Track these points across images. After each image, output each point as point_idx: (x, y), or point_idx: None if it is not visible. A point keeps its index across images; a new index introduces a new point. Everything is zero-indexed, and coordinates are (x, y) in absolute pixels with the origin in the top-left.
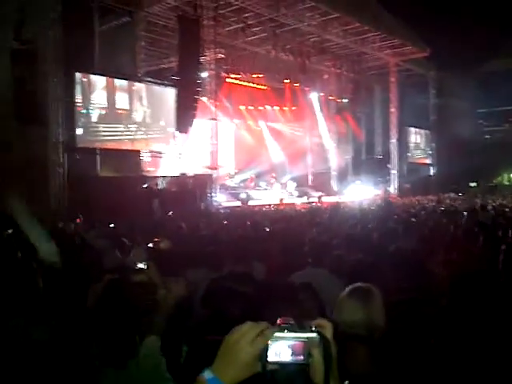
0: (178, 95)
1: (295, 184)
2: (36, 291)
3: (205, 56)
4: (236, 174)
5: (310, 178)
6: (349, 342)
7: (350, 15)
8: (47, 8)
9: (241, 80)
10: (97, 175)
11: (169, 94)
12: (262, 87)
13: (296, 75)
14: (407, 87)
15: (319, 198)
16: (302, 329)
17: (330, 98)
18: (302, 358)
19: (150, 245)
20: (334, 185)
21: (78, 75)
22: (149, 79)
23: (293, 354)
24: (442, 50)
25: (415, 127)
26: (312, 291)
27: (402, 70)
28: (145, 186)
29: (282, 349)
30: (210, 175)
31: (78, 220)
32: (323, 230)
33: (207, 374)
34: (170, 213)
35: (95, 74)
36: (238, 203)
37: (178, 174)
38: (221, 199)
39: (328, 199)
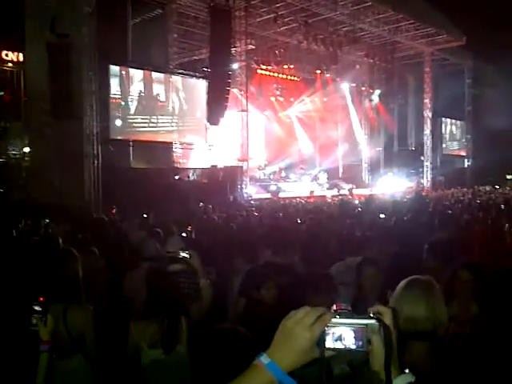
0: (209, 87)
1: (327, 176)
2: (76, 279)
3: (236, 47)
4: (266, 165)
5: (341, 170)
6: (410, 340)
7: (382, 3)
8: (82, 2)
9: (271, 71)
10: (129, 167)
11: (202, 86)
12: (293, 78)
13: (327, 65)
14: (442, 77)
15: (350, 190)
16: (361, 315)
17: (362, 88)
18: (361, 344)
19: (184, 234)
20: (365, 177)
21: (115, 68)
22: (180, 71)
23: (351, 341)
24: (478, 39)
25: (450, 118)
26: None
27: (437, 60)
28: (176, 177)
29: (340, 335)
30: (241, 167)
31: (112, 211)
32: (357, 223)
33: (264, 359)
34: (201, 204)
35: (128, 67)
36: (268, 195)
37: (208, 166)
38: (251, 191)
39: (359, 191)
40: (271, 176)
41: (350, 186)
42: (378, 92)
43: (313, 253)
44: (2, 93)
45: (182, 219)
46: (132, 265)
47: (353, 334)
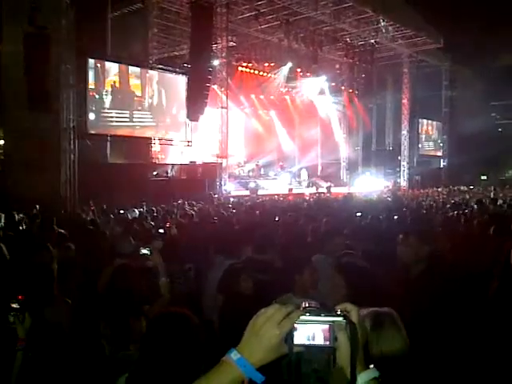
0: (189, 83)
1: (307, 173)
2: (50, 275)
3: (217, 44)
4: (245, 163)
5: (320, 168)
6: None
7: (363, 5)
8: None
9: (252, 68)
10: (107, 162)
11: (181, 82)
12: (274, 76)
13: (308, 64)
14: (420, 79)
15: (328, 188)
16: (328, 312)
17: (342, 88)
18: (328, 341)
19: (161, 231)
20: (344, 176)
21: (90, 61)
22: (160, 66)
23: (319, 338)
24: (456, 42)
25: (427, 119)
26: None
27: (415, 61)
28: (154, 173)
29: (308, 332)
30: (220, 164)
31: (90, 207)
32: (333, 221)
33: (234, 355)
34: (180, 201)
35: (108, 61)
36: (247, 192)
37: (187, 162)
38: (230, 188)
39: (337, 190)
40: (250, 173)
41: (329, 184)
42: (356, 92)
43: (290, 250)
44: None
45: (160, 215)
46: (107, 261)
47: (320, 331)
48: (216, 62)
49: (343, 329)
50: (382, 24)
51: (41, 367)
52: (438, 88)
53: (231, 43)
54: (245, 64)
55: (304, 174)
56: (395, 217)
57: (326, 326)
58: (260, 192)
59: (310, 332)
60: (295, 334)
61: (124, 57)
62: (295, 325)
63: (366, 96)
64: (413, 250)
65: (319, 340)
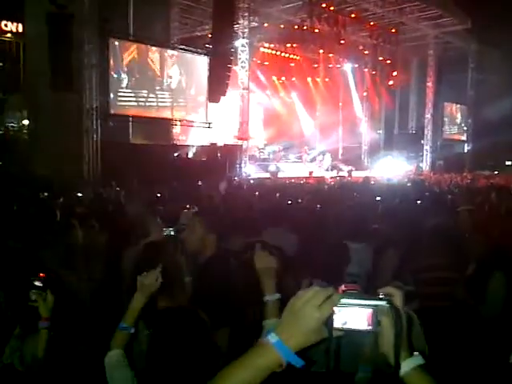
0: (210, 64)
1: (330, 157)
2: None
3: (239, 24)
4: (266, 145)
5: (341, 151)
6: None
7: None
8: None
9: (274, 49)
10: (129, 142)
11: (200, 63)
12: (296, 57)
13: (331, 46)
14: (445, 61)
15: (349, 172)
16: (370, 296)
17: (365, 70)
18: (370, 325)
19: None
20: (365, 159)
21: (111, 40)
22: (182, 47)
23: (360, 322)
24: (483, 23)
25: (451, 102)
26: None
27: (441, 43)
28: (176, 154)
29: (349, 315)
30: (240, 146)
31: (113, 187)
32: (356, 204)
33: (272, 338)
34: (200, 182)
35: (129, 41)
36: (267, 175)
37: (207, 144)
38: (250, 170)
39: (358, 174)
40: (270, 156)
41: (350, 167)
42: (380, 74)
43: (311, 233)
44: (1, 64)
45: (180, 196)
46: (131, 241)
47: (362, 315)
48: (238, 43)
49: (387, 313)
50: (407, 4)
51: (65, 346)
52: (463, 70)
53: (253, 23)
54: (267, 45)
55: (328, 158)
56: (418, 201)
57: (369, 310)
58: (280, 175)
59: (352, 316)
60: (335, 317)
61: (146, 37)
62: (335, 308)
63: (389, 78)
64: None
65: (361, 324)
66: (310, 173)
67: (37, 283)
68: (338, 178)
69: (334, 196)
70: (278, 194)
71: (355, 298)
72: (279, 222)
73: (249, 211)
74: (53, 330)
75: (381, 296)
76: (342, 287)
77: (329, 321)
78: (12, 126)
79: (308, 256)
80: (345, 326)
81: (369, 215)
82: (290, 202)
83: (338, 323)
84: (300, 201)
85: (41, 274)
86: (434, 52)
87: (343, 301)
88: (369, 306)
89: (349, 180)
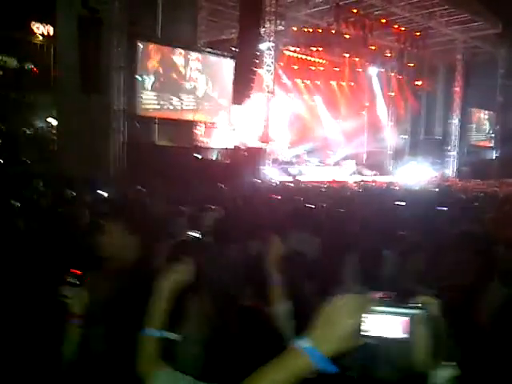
0: (236, 67)
1: (355, 162)
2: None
3: (265, 28)
4: (289, 148)
5: (365, 156)
6: None
7: None
8: None
9: (299, 53)
10: (154, 144)
11: (225, 66)
12: (321, 61)
13: (357, 50)
14: (473, 66)
15: (373, 177)
16: (406, 304)
17: (391, 74)
18: (405, 334)
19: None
20: (389, 164)
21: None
22: (208, 50)
23: (396, 330)
24: None
25: (479, 108)
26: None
27: (470, 48)
28: (199, 156)
29: (384, 323)
30: (264, 149)
31: (139, 187)
32: (381, 210)
33: (304, 343)
34: (223, 185)
35: (156, 43)
36: (290, 178)
37: (231, 147)
38: (272, 173)
39: (382, 179)
40: (293, 159)
41: (374, 172)
42: (406, 78)
43: (335, 237)
44: (32, 65)
45: (203, 199)
46: (157, 240)
47: (397, 323)
48: (263, 46)
49: (423, 322)
50: (437, 8)
51: (98, 345)
52: (492, 76)
53: (280, 27)
54: (292, 48)
55: (351, 163)
56: (444, 208)
57: (405, 318)
58: (302, 178)
59: (387, 324)
60: (370, 324)
61: (173, 40)
62: (370, 315)
63: (415, 83)
64: None
65: (396, 332)
66: (333, 177)
67: (71, 279)
68: (361, 183)
69: (357, 201)
70: (301, 198)
71: (391, 306)
72: (302, 226)
73: (272, 215)
74: (86, 327)
75: (417, 304)
76: (378, 294)
77: (363, 328)
78: (41, 127)
79: (333, 261)
80: (379, 334)
81: (394, 221)
82: (313, 206)
83: (372, 331)
84: (324, 205)
85: (76, 271)
86: (462, 57)
87: (378, 308)
88: (404, 314)
89: (372, 185)
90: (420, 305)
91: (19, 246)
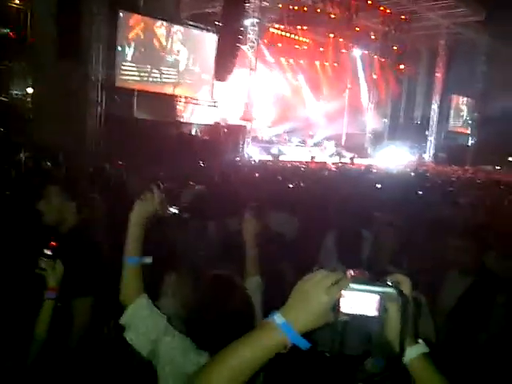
0: (219, 41)
1: (334, 143)
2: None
3: (250, 3)
4: (270, 127)
5: (344, 138)
6: None
7: None
8: None
9: (284, 31)
10: (132, 117)
11: (208, 40)
12: (305, 40)
13: (341, 30)
14: (455, 52)
15: (351, 159)
16: (378, 282)
17: (374, 57)
18: (377, 312)
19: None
20: (368, 147)
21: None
22: (191, 23)
23: (367, 307)
24: (498, 16)
25: (458, 95)
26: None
27: (453, 34)
28: (178, 131)
29: (356, 300)
30: (244, 127)
31: (116, 162)
32: (358, 192)
33: (278, 319)
34: (202, 161)
35: (138, 14)
36: (270, 157)
37: (211, 123)
38: (252, 152)
39: (360, 161)
40: (274, 138)
41: (352, 155)
42: (389, 62)
43: (313, 217)
44: (7, 30)
45: (182, 175)
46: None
47: (369, 301)
48: (248, 22)
49: (394, 300)
50: None
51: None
52: (473, 63)
53: (264, 3)
54: (277, 26)
55: (331, 144)
56: (419, 192)
57: (377, 296)
58: (282, 158)
59: (359, 301)
60: (342, 301)
61: (155, 11)
62: (343, 292)
63: (398, 67)
64: None
65: (368, 310)
66: (313, 158)
67: (47, 252)
68: (340, 165)
69: (335, 182)
70: (279, 178)
71: (363, 284)
72: (281, 205)
73: (251, 193)
74: (59, 301)
75: (389, 283)
76: (351, 272)
77: (336, 305)
78: (16, 94)
79: (310, 240)
80: (351, 311)
81: (371, 203)
82: (291, 186)
83: (344, 308)
84: (302, 185)
85: (52, 243)
86: (444, 42)
87: (351, 286)
88: (377, 292)
89: (351, 167)
90: (392, 283)
91: None
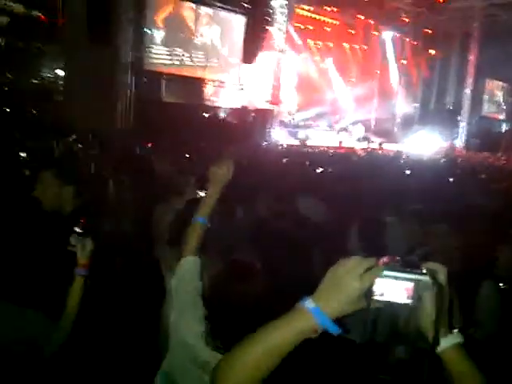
0: (247, 23)
1: (364, 129)
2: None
3: None
4: (297, 111)
5: (373, 122)
6: None
7: None
8: None
9: (312, 12)
10: (161, 100)
11: (236, 22)
12: (334, 22)
13: (372, 11)
14: (490, 35)
15: (380, 144)
16: (413, 270)
17: (405, 39)
18: (410, 300)
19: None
20: (398, 132)
21: None
22: (219, 5)
23: (401, 295)
24: None
25: (493, 79)
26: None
27: (488, 15)
28: (206, 115)
29: (390, 288)
30: (271, 110)
31: (149, 144)
32: (385, 179)
33: (309, 304)
34: (229, 145)
35: None
36: (297, 142)
37: (238, 107)
38: (279, 136)
39: (389, 147)
40: (301, 122)
41: (381, 140)
42: (421, 44)
43: (341, 203)
44: (39, 13)
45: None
46: (161, 198)
47: (403, 289)
48: (275, 3)
49: (429, 288)
50: None
51: (101, 294)
52: (509, 46)
53: None
54: (305, 7)
55: (359, 129)
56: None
57: (411, 284)
58: (309, 143)
59: (392, 288)
60: (375, 288)
61: None
62: (377, 279)
63: (430, 50)
64: None
65: (401, 298)
66: (340, 142)
67: (77, 229)
68: (368, 150)
69: (363, 167)
70: (308, 162)
71: (397, 271)
72: (308, 190)
73: (278, 177)
74: (90, 278)
75: (424, 271)
76: (384, 259)
77: (368, 292)
78: (48, 77)
79: (338, 226)
80: (384, 298)
81: (400, 190)
82: (319, 171)
83: (377, 295)
84: (330, 170)
85: (82, 220)
86: (479, 24)
87: (385, 273)
88: (410, 279)
89: (379, 153)
90: (427, 271)
91: (23, 194)
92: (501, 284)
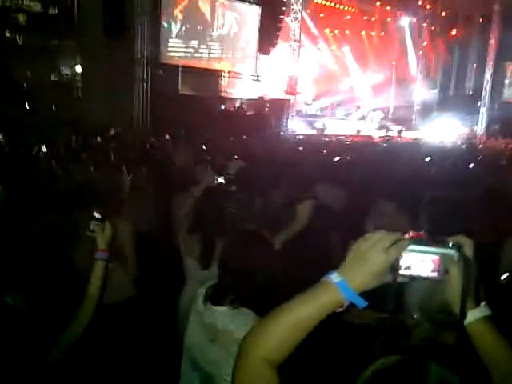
0: (262, 13)
1: (382, 115)
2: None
3: None
4: (314, 100)
5: (391, 110)
6: None
7: None
8: None
9: (328, 0)
10: (178, 93)
11: (251, 13)
12: (351, 9)
13: None
14: (510, 18)
15: (399, 132)
16: (439, 243)
17: (423, 24)
18: (436, 273)
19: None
20: (416, 120)
21: None
22: None
23: (427, 269)
24: None
25: None
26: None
27: None
28: (222, 106)
29: (416, 262)
30: (288, 100)
31: (166, 136)
32: (404, 166)
33: (335, 277)
34: (245, 136)
35: None
36: (314, 131)
37: (255, 97)
38: (296, 126)
39: (408, 134)
40: (318, 112)
41: (400, 127)
42: (439, 29)
43: (360, 190)
44: (56, 10)
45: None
46: (180, 188)
47: (429, 262)
48: None
49: (455, 262)
50: None
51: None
52: None
53: None
54: None
55: (377, 116)
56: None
57: (436, 258)
58: (327, 132)
59: (418, 262)
60: (401, 262)
61: None
62: (403, 253)
63: (448, 35)
64: None
65: (427, 271)
66: (358, 131)
67: (96, 215)
68: (386, 138)
69: (381, 155)
70: (325, 151)
71: (423, 245)
72: (326, 178)
73: (296, 166)
74: (110, 262)
75: (450, 244)
76: (410, 233)
77: (394, 265)
78: (66, 74)
79: (358, 213)
80: (410, 272)
81: (419, 176)
82: (337, 159)
83: (403, 268)
84: (348, 158)
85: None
86: (499, 7)
87: (411, 247)
88: (436, 253)
89: (397, 141)
90: (453, 245)
91: (47, 186)
92: None
